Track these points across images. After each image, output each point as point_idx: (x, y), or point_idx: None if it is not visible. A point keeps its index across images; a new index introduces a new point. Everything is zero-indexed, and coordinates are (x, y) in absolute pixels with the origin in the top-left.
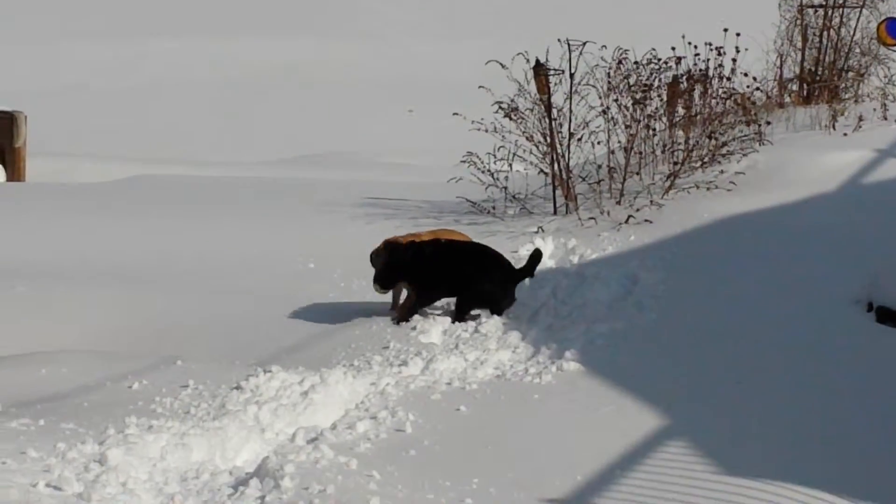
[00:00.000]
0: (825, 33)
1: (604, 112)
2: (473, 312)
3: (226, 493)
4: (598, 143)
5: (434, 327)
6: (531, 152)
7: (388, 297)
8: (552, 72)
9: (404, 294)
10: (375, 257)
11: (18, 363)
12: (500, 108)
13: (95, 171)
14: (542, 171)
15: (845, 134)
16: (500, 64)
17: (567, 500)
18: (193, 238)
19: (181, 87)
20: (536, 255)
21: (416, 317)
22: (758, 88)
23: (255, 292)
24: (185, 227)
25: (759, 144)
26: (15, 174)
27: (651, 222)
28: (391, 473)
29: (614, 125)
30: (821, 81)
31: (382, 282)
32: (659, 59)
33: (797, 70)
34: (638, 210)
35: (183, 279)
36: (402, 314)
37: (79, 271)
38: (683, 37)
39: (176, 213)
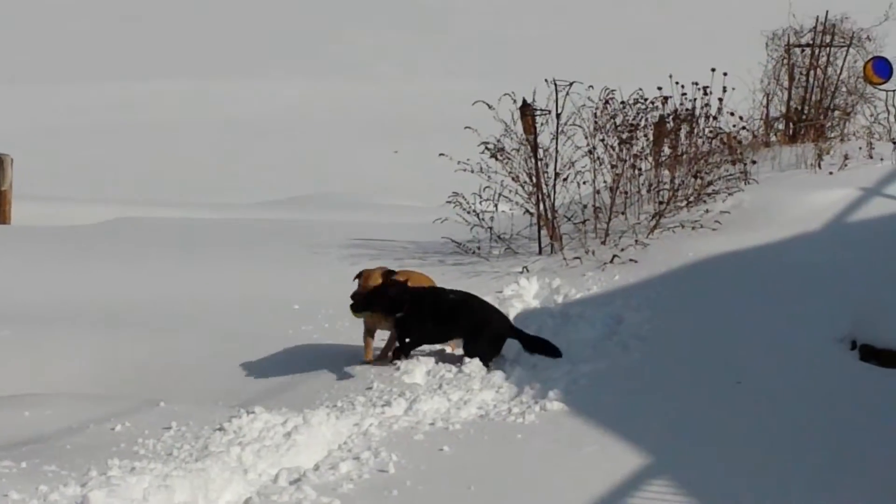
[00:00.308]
0: (812, 72)
1: (590, 152)
2: (457, 352)
3: None
4: (584, 182)
5: (418, 367)
6: (517, 192)
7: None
8: (538, 112)
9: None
10: (363, 280)
11: (2, 406)
12: (486, 148)
13: (81, 213)
14: (527, 211)
15: (831, 172)
16: (487, 104)
17: None
18: (178, 280)
19: (169, 129)
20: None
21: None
22: (744, 128)
23: (239, 334)
24: (169, 269)
25: (745, 183)
26: (1, 217)
27: (636, 262)
28: None
29: (600, 165)
30: (807, 120)
31: (363, 307)
32: (645, 99)
33: (783, 109)
34: (623, 250)
35: (167, 321)
36: (396, 355)
37: (64, 314)
38: (671, 76)
39: (161, 255)
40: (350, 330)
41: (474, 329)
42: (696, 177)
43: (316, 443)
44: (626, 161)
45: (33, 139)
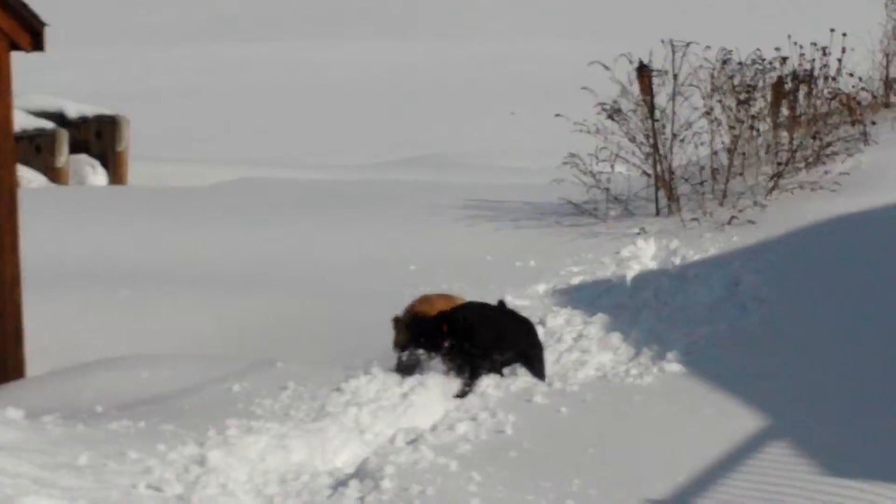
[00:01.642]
0: None
1: (707, 113)
2: None
3: (325, 495)
4: (701, 144)
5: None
6: (634, 153)
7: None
8: (655, 73)
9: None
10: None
11: (120, 366)
12: (602, 109)
13: (197, 174)
14: (644, 172)
15: None
16: (603, 65)
17: (668, 501)
18: (296, 241)
19: (286, 91)
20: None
21: None
22: (863, 88)
23: (356, 294)
24: (287, 229)
25: (864, 145)
26: (117, 178)
27: (754, 223)
28: (491, 475)
29: (718, 126)
30: None
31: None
32: (763, 60)
33: None
34: (741, 211)
35: (284, 282)
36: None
37: (180, 275)
38: (789, 37)
39: (279, 215)
40: (466, 291)
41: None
42: (814, 138)
43: (433, 404)
44: (743, 122)
45: (149, 101)
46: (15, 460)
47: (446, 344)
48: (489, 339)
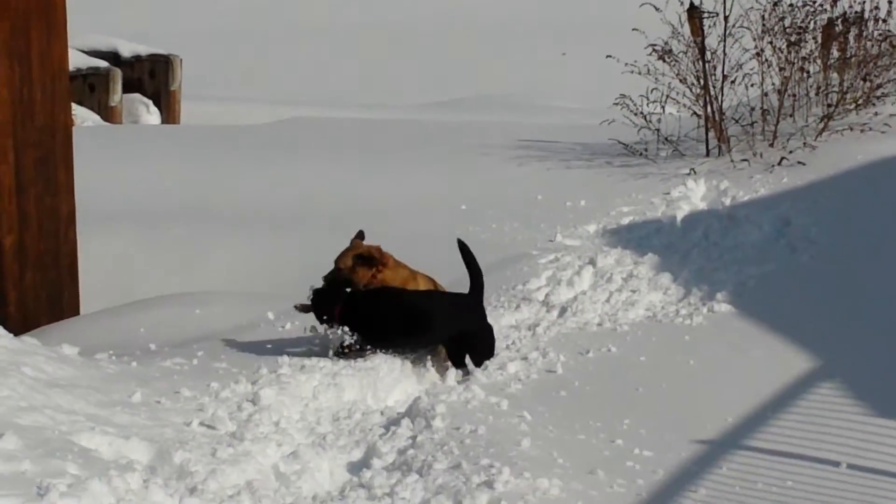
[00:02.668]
0: None
1: (758, 54)
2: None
3: (377, 433)
4: (752, 85)
5: (585, 269)
6: (684, 94)
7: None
8: (706, 14)
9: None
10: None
11: (173, 303)
12: (653, 50)
13: (252, 113)
14: (694, 113)
15: None
16: (654, 7)
17: (716, 440)
18: (347, 180)
19: (336, 30)
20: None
21: (567, 259)
22: None
23: (407, 233)
24: (339, 169)
25: None
26: (170, 117)
27: (804, 164)
28: (542, 414)
29: (768, 67)
30: None
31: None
32: (814, 2)
33: None
34: (791, 152)
35: (337, 221)
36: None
37: (234, 213)
38: None
39: (331, 155)
40: (517, 231)
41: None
42: (864, 80)
43: None
44: (794, 64)
45: (201, 41)
46: (69, 397)
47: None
48: (391, 330)
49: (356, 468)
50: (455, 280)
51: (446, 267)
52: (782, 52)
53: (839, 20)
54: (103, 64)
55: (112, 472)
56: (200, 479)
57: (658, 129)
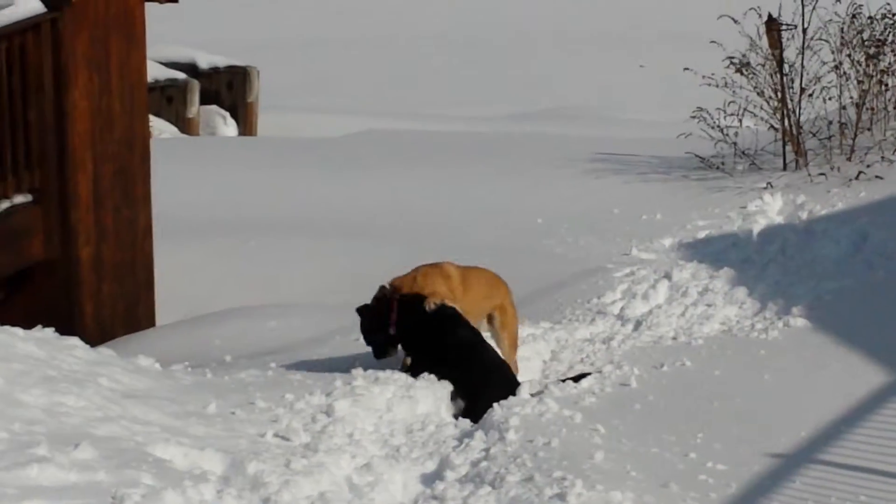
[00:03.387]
0: None
1: (836, 67)
2: None
3: (451, 445)
4: (830, 98)
5: (661, 283)
6: (761, 107)
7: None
8: (785, 26)
9: None
10: None
11: (249, 315)
12: (731, 62)
13: (328, 124)
14: (772, 126)
15: None
16: (732, 19)
17: (790, 455)
18: (422, 193)
19: (414, 41)
20: None
21: (643, 273)
22: None
23: (481, 246)
24: (414, 181)
25: None
26: (246, 129)
27: (882, 178)
28: (616, 427)
29: (846, 80)
30: None
31: None
32: (894, 14)
33: None
34: (869, 166)
35: (411, 233)
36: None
37: (309, 225)
38: None
39: (405, 167)
40: (592, 245)
41: None
42: None
43: (561, 356)
44: (872, 77)
45: (276, 51)
46: (145, 408)
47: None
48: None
49: (429, 480)
50: (528, 294)
51: (521, 281)
52: (861, 65)
53: None
54: (181, 75)
55: (186, 482)
56: (274, 490)
57: (735, 143)
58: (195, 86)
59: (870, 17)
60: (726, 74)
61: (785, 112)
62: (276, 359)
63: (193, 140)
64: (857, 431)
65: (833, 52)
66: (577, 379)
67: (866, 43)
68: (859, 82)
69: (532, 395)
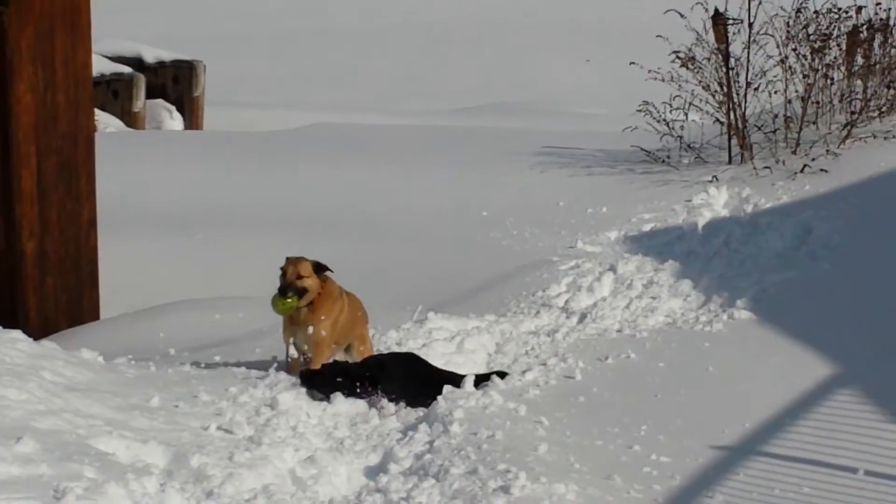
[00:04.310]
0: None
1: (782, 61)
2: None
3: (395, 438)
4: (775, 92)
5: (606, 275)
6: (707, 101)
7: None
8: (731, 21)
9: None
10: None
11: (193, 308)
12: (677, 57)
13: (276, 118)
14: (717, 120)
15: None
16: (679, 13)
17: (735, 447)
18: (370, 186)
19: (359, 35)
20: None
21: (588, 265)
22: None
23: (428, 239)
24: (362, 175)
25: None
26: (193, 123)
27: (827, 172)
28: (560, 419)
29: (792, 74)
30: None
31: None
32: (839, 9)
33: None
34: (814, 159)
35: (357, 226)
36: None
37: (255, 219)
38: None
39: (354, 161)
40: (537, 237)
41: None
42: (889, 87)
43: (506, 349)
44: (818, 71)
45: (224, 46)
46: (88, 401)
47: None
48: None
49: (373, 473)
50: (474, 287)
51: (467, 273)
52: (806, 59)
53: (864, 27)
54: (127, 70)
55: (129, 475)
56: (217, 483)
57: (681, 136)
58: (141, 80)
59: (815, 12)
60: (672, 69)
61: (730, 106)
62: (220, 352)
63: (139, 134)
64: (800, 423)
65: (779, 47)
66: (487, 377)
67: (812, 37)
68: (805, 76)
69: (476, 388)
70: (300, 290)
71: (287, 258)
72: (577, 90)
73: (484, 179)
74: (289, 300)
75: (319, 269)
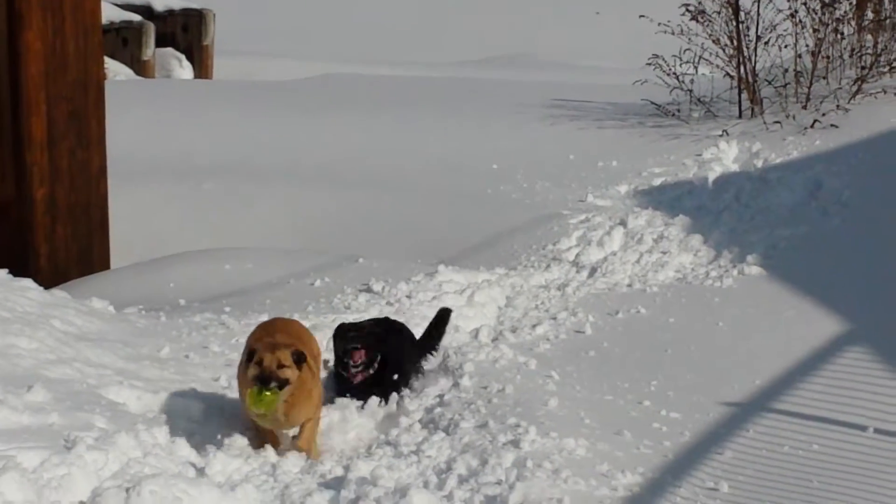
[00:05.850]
0: None
1: (792, 15)
2: None
3: (406, 391)
4: (785, 46)
5: (616, 230)
6: (717, 55)
7: None
8: None
9: None
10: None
11: (204, 259)
12: (686, 10)
13: (284, 69)
14: (727, 74)
15: None
16: None
17: (744, 403)
18: (379, 138)
19: None
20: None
21: (598, 219)
22: None
23: (438, 192)
24: (371, 126)
25: None
26: (202, 72)
27: (837, 127)
28: (570, 374)
29: (802, 29)
30: None
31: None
32: None
33: None
34: (824, 114)
35: (367, 178)
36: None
37: (264, 169)
38: None
39: (362, 112)
40: (548, 190)
41: None
42: None
43: (516, 303)
44: (828, 25)
45: None
46: (99, 351)
47: None
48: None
49: (383, 426)
50: (484, 240)
51: (477, 227)
52: (816, 14)
53: None
54: (136, 18)
55: (139, 426)
56: (228, 433)
57: (691, 90)
58: (150, 28)
59: None
60: (682, 22)
61: (741, 60)
62: (230, 302)
63: (149, 82)
64: (810, 380)
65: (789, 1)
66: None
67: None
68: (815, 31)
69: (492, 341)
70: (282, 381)
71: (262, 342)
72: (586, 43)
73: (494, 132)
74: (269, 394)
75: (300, 359)
